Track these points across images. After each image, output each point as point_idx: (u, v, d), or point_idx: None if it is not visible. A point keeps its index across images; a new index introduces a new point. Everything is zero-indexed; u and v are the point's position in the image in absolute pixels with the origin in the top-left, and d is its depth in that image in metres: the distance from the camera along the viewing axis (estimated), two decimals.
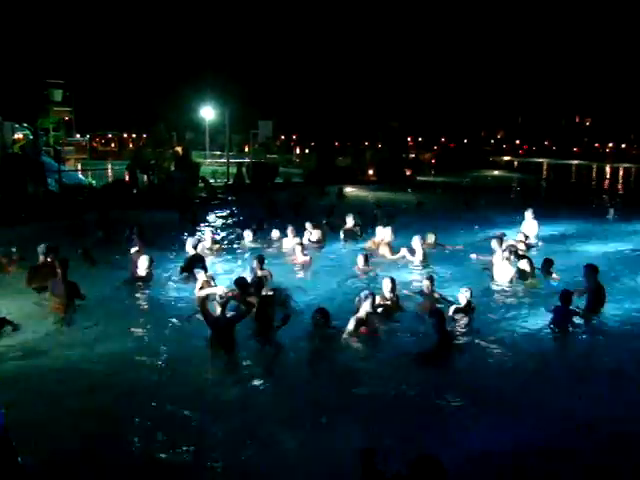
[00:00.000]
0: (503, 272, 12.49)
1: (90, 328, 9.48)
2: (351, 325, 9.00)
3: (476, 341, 9.29)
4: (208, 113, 40.49)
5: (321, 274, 13.44)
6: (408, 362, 8.37)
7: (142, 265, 12.15)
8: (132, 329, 9.54)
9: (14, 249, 12.96)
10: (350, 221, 17.71)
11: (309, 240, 15.99)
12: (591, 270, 10.64)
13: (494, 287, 12.40)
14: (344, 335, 8.96)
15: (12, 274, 12.31)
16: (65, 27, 53.40)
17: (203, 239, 15.44)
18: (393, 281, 10.66)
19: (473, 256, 14.26)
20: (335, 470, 5.83)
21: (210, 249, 14.98)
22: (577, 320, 10.03)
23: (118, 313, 10.35)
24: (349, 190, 30.04)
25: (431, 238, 15.71)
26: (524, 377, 8.15)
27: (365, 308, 9.12)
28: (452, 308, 10.05)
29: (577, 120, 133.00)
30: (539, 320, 10.19)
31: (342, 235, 17.18)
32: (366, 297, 9.21)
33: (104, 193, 24.34)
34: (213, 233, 16.21)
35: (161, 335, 9.31)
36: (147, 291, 11.88)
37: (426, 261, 14.33)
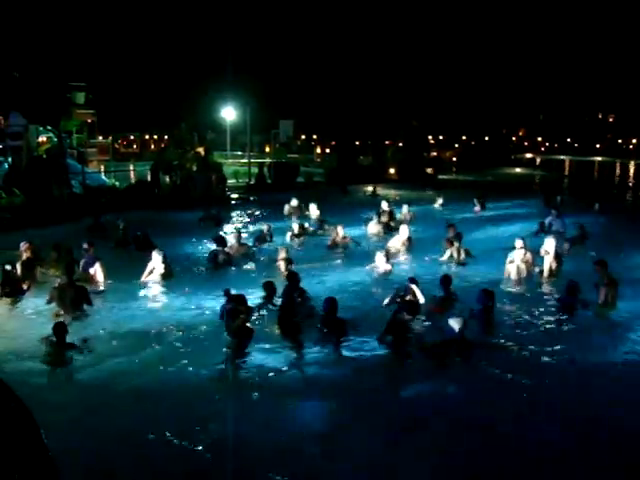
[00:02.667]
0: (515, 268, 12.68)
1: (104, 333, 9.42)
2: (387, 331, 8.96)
3: (490, 340, 9.28)
4: (229, 113, 40.59)
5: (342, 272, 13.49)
6: (424, 362, 8.37)
7: (157, 261, 12.36)
8: (153, 332, 9.51)
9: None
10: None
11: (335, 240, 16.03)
12: (601, 265, 10.69)
13: (512, 282, 12.41)
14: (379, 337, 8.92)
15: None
16: (87, 30, 53.80)
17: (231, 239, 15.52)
18: (415, 282, 10.61)
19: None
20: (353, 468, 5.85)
21: (237, 250, 14.92)
22: (584, 311, 10.15)
23: (135, 316, 10.37)
24: (370, 189, 29.91)
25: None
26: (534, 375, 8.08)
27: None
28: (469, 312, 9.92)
29: (600, 116, 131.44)
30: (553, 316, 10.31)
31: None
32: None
33: (127, 194, 24.51)
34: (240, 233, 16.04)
35: (182, 338, 9.26)
36: (166, 291, 11.99)
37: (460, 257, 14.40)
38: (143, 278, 12.34)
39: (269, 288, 10.26)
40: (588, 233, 16.88)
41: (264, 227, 17.13)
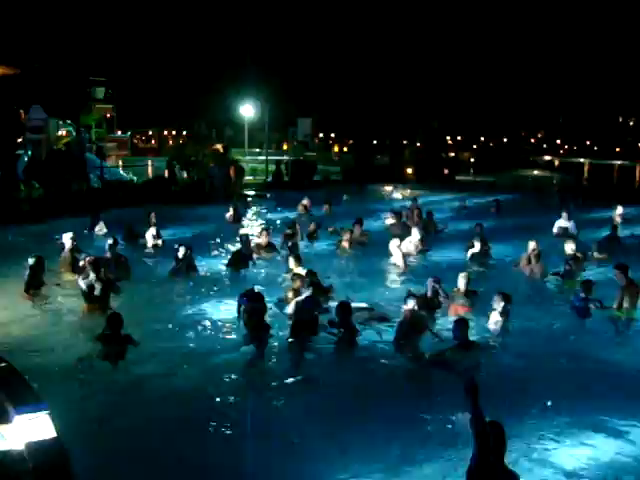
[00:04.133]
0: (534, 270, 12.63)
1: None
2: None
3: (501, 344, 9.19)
4: (247, 111, 40.57)
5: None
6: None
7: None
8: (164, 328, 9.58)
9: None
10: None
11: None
12: (620, 269, 10.67)
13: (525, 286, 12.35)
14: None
15: None
16: (107, 25, 54.15)
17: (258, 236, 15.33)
18: (438, 281, 10.55)
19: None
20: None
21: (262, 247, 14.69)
22: (599, 312, 10.20)
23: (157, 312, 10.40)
24: (390, 189, 29.79)
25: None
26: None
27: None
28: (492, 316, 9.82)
29: (620, 120, 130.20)
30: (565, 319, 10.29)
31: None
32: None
33: (144, 189, 24.61)
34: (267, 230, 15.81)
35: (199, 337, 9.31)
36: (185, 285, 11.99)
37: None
38: (172, 273, 12.38)
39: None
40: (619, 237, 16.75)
41: (292, 224, 16.94)
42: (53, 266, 12.18)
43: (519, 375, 8.05)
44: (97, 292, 10.02)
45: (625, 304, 10.37)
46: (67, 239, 12.68)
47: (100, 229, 16.29)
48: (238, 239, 14.25)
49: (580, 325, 10.14)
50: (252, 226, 19.48)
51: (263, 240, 14.68)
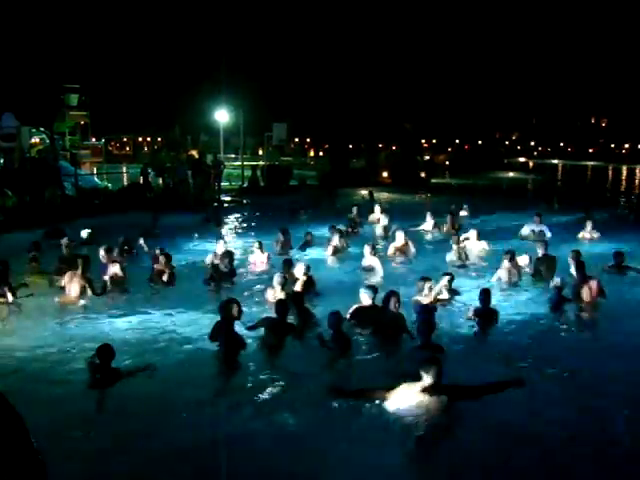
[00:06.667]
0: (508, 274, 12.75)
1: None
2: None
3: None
4: (222, 116, 40.52)
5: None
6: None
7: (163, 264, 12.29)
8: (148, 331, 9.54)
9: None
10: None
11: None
12: (578, 266, 11.35)
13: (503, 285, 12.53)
14: None
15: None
16: (81, 33, 53.81)
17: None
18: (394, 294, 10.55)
19: None
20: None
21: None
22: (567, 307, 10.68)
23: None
24: (365, 192, 29.89)
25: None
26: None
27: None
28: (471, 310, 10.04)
29: (592, 121, 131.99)
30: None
31: None
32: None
33: (120, 196, 24.49)
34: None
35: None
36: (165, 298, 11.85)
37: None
38: (154, 282, 12.17)
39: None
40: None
41: (308, 234, 16.70)
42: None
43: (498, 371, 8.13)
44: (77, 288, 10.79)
45: (583, 297, 10.80)
46: (64, 244, 12.95)
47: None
48: (219, 255, 13.43)
49: (550, 319, 10.40)
50: (231, 234, 19.38)
51: (218, 249, 14.10)
